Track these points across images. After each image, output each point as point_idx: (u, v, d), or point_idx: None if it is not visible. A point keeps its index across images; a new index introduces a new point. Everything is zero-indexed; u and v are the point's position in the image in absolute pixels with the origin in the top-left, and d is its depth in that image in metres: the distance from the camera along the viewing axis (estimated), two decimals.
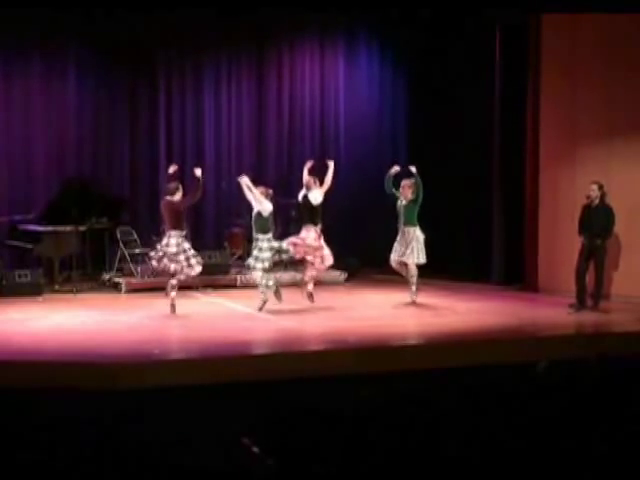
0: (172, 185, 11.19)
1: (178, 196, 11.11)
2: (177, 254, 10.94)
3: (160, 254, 10.97)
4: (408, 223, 11.63)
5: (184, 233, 11.10)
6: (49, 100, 14.05)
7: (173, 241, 10.95)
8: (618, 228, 11.67)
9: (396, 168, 11.85)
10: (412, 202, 11.63)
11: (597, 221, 11.43)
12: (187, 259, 11.03)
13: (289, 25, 15.16)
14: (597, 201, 11.49)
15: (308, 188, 11.51)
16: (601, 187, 11.49)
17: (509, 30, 13.55)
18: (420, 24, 14.77)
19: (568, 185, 12.84)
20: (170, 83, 14.79)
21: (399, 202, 11.72)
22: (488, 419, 4.92)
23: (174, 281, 11.06)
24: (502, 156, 13.69)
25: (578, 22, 12.76)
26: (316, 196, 11.41)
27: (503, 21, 13.53)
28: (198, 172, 11.19)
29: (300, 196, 11.68)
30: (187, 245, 11.08)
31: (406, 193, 11.67)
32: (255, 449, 4.38)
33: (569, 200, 12.60)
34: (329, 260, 11.59)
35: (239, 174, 14.61)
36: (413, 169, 11.68)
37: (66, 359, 8.82)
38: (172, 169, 11.27)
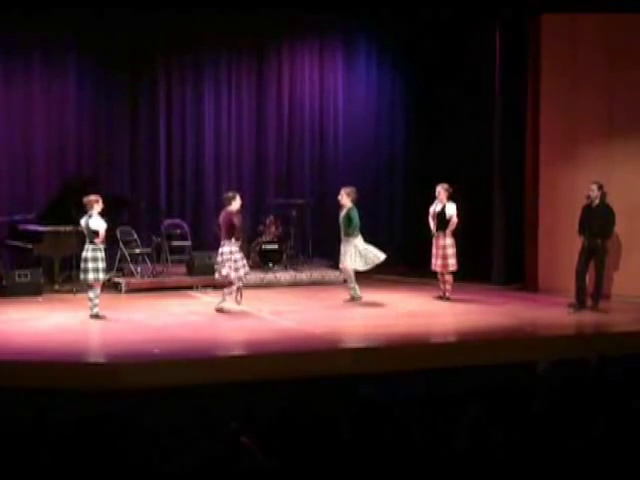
0: (230, 194, 11.47)
1: (235, 206, 11.30)
2: (228, 261, 11.16)
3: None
4: (346, 234, 11.75)
5: (238, 243, 11.28)
6: (49, 100, 14.04)
7: (227, 249, 11.17)
8: (618, 228, 11.67)
9: None
10: (347, 217, 11.72)
11: (597, 221, 11.43)
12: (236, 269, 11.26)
13: (289, 27, 15.15)
14: (597, 201, 11.49)
15: (442, 201, 12.00)
16: (601, 187, 11.48)
17: (509, 30, 13.54)
18: (419, 25, 14.77)
19: (568, 185, 12.83)
20: (170, 84, 14.78)
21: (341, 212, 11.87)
22: (488, 419, 4.91)
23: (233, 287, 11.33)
24: (502, 156, 13.69)
25: (578, 22, 12.77)
26: (451, 207, 11.95)
27: (503, 21, 13.52)
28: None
29: (437, 208, 12.02)
30: (237, 256, 11.24)
31: (344, 201, 11.79)
32: (255, 449, 4.38)
33: (569, 200, 12.59)
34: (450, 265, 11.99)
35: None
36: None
37: (66, 359, 8.82)
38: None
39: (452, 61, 14.67)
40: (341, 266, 11.98)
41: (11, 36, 13.46)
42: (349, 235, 11.74)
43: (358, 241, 11.77)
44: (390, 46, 15.85)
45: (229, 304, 11.36)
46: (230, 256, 11.18)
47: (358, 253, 11.73)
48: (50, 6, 12.83)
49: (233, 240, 11.22)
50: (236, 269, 11.22)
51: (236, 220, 11.24)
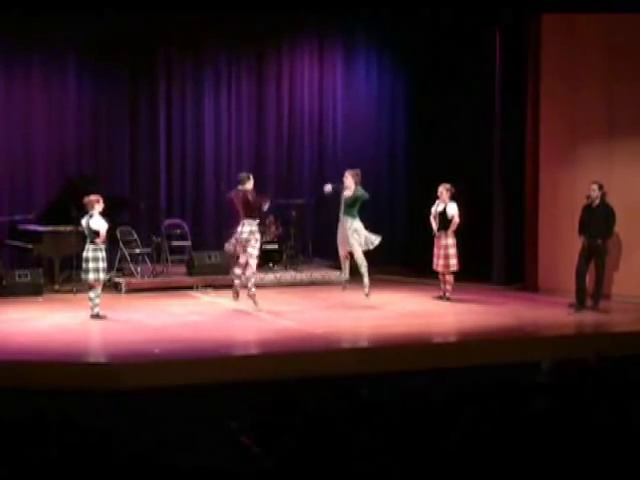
0: (243, 174, 11.59)
1: (249, 185, 11.40)
2: (246, 240, 11.25)
3: (233, 240, 11.41)
4: (347, 214, 11.66)
5: (256, 222, 11.38)
6: (49, 100, 14.05)
7: (247, 228, 11.25)
8: (618, 228, 11.66)
9: (328, 187, 11.91)
10: (353, 198, 11.64)
11: (597, 221, 11.43)
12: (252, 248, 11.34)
13: (288, 27, 15.16)
14: (597, 201, 11.48)
15: (444, 201, 12.03)
16: (601, 187, 11.48)
17: (509, 30, 13.54)
18: (419, 25, 14.76)
19: (568, 185, 12.83)
20: (170, 84, 14.78)
21: (343, 192, 11.78)
22: (488, 419, 4.92)
23: (238, 270, 11.42)
24: (502, 156, 13.69)
25: (578, 22, 12.76)
26: (453, 207, 11.96)
27: (503, 21, 13.52)
28: (265, 206, 11.56)
29: (439, 208, 12.04)
30: (258, 236, 11.36)
31: (349, 183, 11.69)
32: (254, 449, 4.38)
33: (569, 200, 12.60)
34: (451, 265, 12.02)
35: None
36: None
37: (66, 359, 8.82)
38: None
39: (452, 61, 14.65)
40: (350, 248, 11.69)
41: (11, 36, 13.47)
42: (348, 214, 11.64)
43: (357, 224, 11.67)
44: (390, 46, 15.84)
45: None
46: (250, 236, 11.24)
47: (362, 235, 11.66)
48: (50, 6, 12.82)
49: (251, 220, 11.30)
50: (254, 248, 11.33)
51: (251, 197, 11.32)
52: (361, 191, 11.67)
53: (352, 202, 11.65)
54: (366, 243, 11.66)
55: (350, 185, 11.70)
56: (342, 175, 11.99)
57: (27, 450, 4.44)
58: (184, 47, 14.66)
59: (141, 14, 13.38)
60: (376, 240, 11.69)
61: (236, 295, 11.47)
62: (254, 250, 11.32)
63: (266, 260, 14.08)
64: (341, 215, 11.76)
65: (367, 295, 11.70)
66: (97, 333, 10.37)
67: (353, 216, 11.64)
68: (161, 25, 14.10)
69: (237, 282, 11.46)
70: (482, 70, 13.99)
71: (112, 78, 14.26)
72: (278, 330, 10.32)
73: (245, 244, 11.28)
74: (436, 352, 9.73)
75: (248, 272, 11.35)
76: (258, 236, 11.39)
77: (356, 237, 11.59)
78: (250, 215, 11.33)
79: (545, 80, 13.19)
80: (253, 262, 11.36)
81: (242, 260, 11.42)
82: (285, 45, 15.48)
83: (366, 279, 11.67)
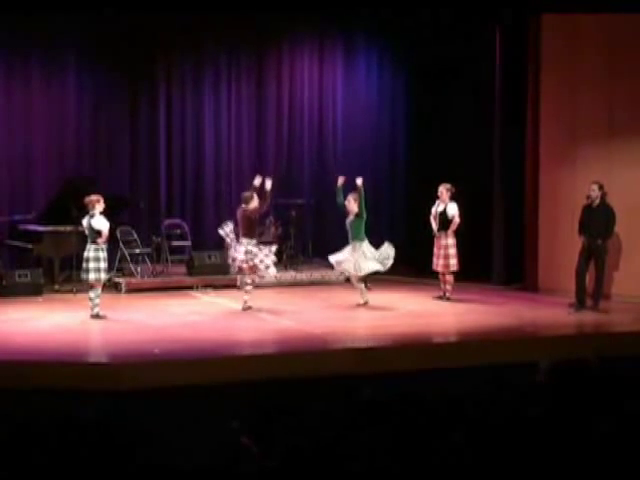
0: (247, 194, 11.45)
1: (253, 205, 11.30)
2: (246, 261, 11.25)
3: (232, 258, 11.46)
4: (355, 238, 11.59)
5: (254, 241, 11.33)
6: (49, 100, 14.05)
7: (242, 248, 11.23)
8: (618, 228, 11.66)
9: (342, 179, 11.80)
10: (357, 217, 11.56)
11: (597, 221, 11.43)
12: (260, 262, 11.31)
13: (289, 27, 15.16)
14: (597, 201, 11.48)
15: (444, 202, 12.05)
16: (601, 187, 11.48)
17: (509, 30, 13.55)
18: (419, 25, 14.76)
19: (568, 185, 12.84)
20: (170, 84, 14.79)
21: (348, 218, 11.67)
22: (488, 419, 4.92)
23: (249, 283, 11.46)
24: (502, 156, 13.69)
25: (578, 22, 12.77)
26: (453, 207, 11.99)
27: (503, 21, 13.53)
28: (268, 184, 11.44)
29: (439, 208, 12.06)
30: (255, 250, 11.27)
31: (351, 207, 11.59)
32: (254, 449, 4.38)
33: (569, 200, 12.60)
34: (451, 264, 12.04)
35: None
36: (359, 181, 11.64)
37: (66, 359, 8.82)
38: (257, 181, 11.52)
39: (452, 61, 14.64)
40: (352, 271, 11.73)
41: (11, 36, 13.48)
42: (357, 239, 11.57)
43: (365, 246, 11.61)
44: (390, 46, 15.84)
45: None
46: (246, 256, 11.22)
47: (370, 258, 11.59)
48: (50, 6, 12.82)
49: (248, 239, 11.27)
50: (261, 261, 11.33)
51: (254, 217, 11.33)
52: (361, 208, 11.57)
53: (357, 219, 11.55)
54: (381, 262, 11.62)
55: (353, 209, 11.60)
56: (341, 173, 12.01)
57: (27, 450, 4.44)
58: (184, 47, 14.66)
59: (141, 14, 13.38)
60: (389, 252, 11.66)
61: (248, 309, 11.45)
62: (263, 262, 11.28)
63: None
64: (350, 242, 11.64)
65: (358, 304, 11.73)
66: (97, 333, 10.38)
67: (361, 239, 11.59)
68: (161, 25, 14.10)
69: (247, 297, 11.47)
70: (482, 70, 13.99)
71: (112, 78, 14.26)
72: (278, 330, 10.33)
73: (248, 264, 11.28)
74: (436, 352, 9.73)
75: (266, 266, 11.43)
76: (255, 250, 11.28)
77: (363, 260, 11.51)
78: (248, 234, 11.30)
79: (545, 80, 13.19)
80: (272, 270, 11.46)
81: (250, 280, 11.51)
82: (285, 45, 15.49)
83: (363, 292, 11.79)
